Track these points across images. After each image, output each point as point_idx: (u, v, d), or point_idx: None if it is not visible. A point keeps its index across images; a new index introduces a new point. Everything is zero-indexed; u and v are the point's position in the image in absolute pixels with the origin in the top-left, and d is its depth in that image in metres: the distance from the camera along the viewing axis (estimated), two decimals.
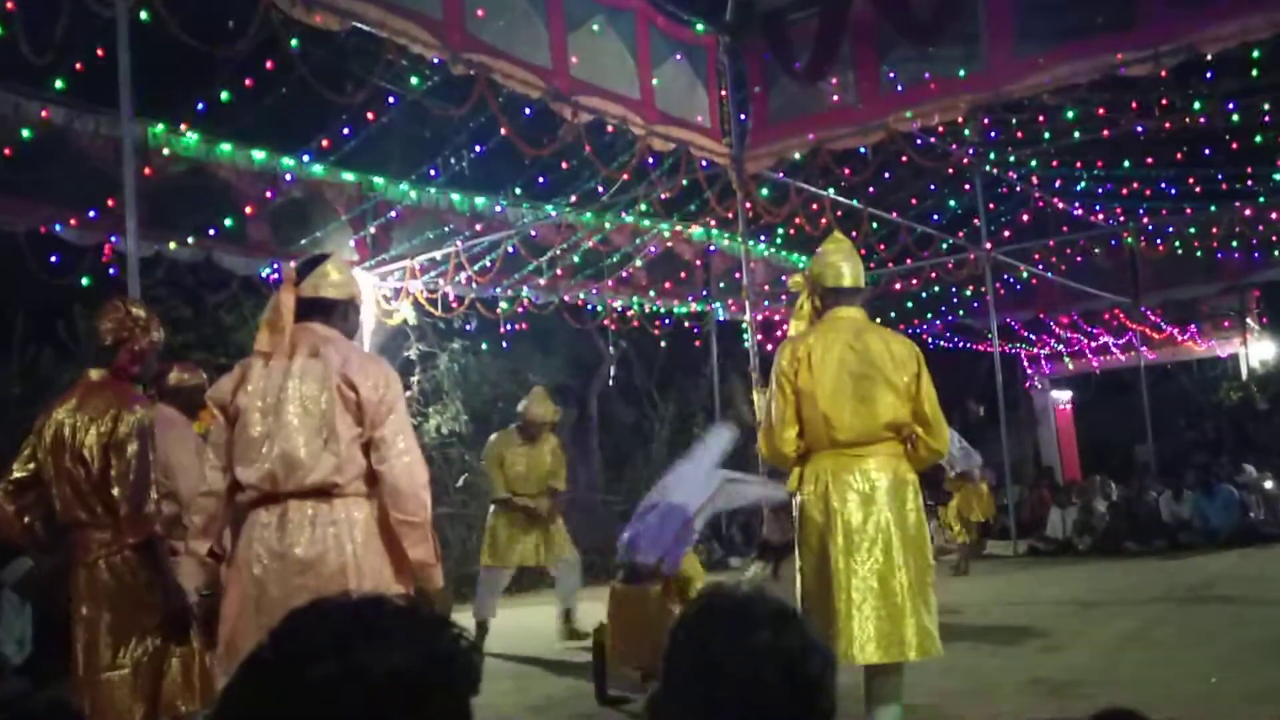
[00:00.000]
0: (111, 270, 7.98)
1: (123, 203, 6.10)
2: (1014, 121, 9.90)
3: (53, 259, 8.04)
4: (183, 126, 7.94)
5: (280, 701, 0.90)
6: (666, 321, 12.95)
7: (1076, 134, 10.25)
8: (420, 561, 3.36)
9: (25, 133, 7.00)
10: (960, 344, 17.02)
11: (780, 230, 11.83)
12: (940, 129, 9.60)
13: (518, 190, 10.02)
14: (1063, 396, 19.23)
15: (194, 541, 3.50)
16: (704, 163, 8.64)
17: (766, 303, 13.43)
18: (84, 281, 8.23)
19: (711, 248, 12.36)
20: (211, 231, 8.72)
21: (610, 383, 14.51)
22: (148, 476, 3.98)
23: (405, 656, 0.92)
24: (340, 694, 0.89)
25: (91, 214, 7.90)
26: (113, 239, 7.96)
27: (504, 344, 12.08)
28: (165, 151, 7.95)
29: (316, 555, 3.26)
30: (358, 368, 3.40)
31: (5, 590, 7.78)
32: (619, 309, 12.38)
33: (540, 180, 9.68)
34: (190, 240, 8.58)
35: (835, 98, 8.46)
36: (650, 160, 8.30)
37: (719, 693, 1.36)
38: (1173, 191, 12.27)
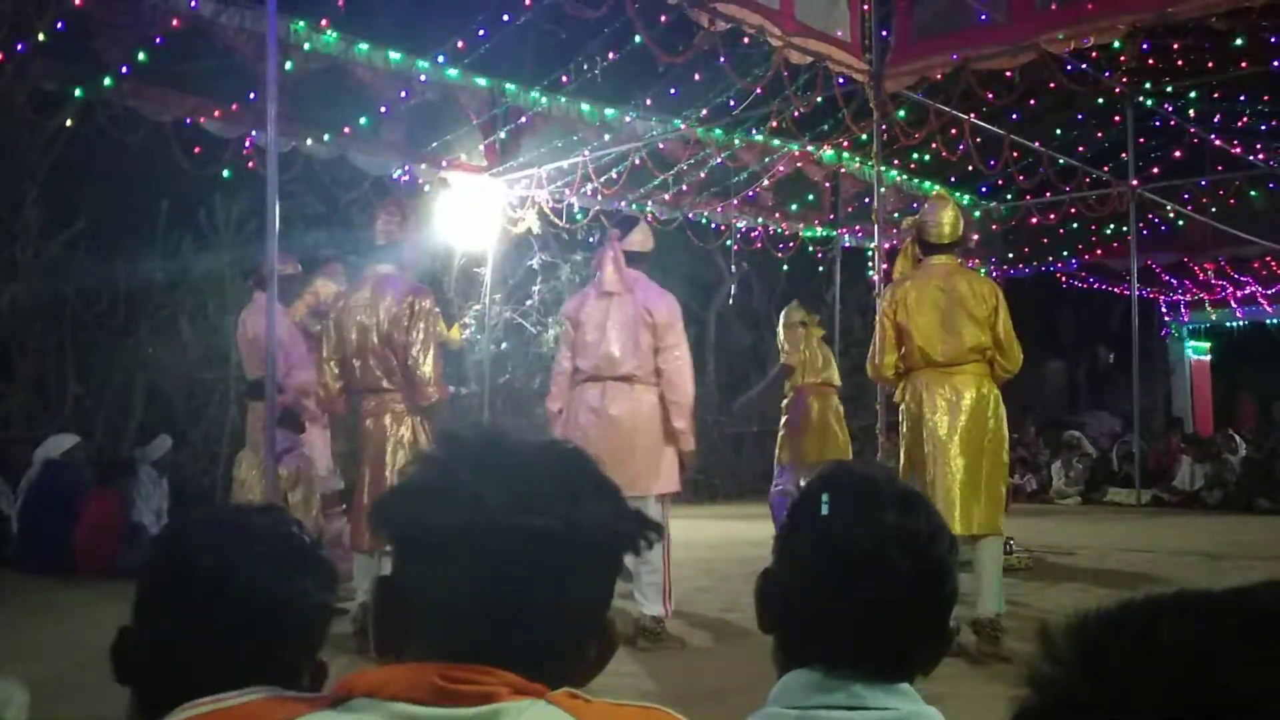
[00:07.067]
0: (251, 163, 8.19)
1: (264, 97, 6.25)
2: (1176, 48, 9.30)
3: (196, 150, 8.29)
4: (323, 23, 8.02)
5: (494, 537, 0.95)
6: (790, 245, 12.75)
7: (1244, 64, 9.59)
8: (683, 429, 5.22)
9: (175, 22, 7.15)
10: (1095, 285, 16.35)
11: (914, 155, 11.46)
12: (1094, 54, 9.09)
13: (648, 101, 9.89)
14: (1200, 346, 18.39)
15: (550, 402, 5.41)
16: (840, 80, 8.37)
17: (896, 231, 13.10)
18: (225, 173, 8.48)
19: (842, 170, 12.07)
20: (346, 130, 8.86)
21: (730, 304, 14.41)
22: (431, 351, 5.16)
23: (614, 515, 1.01)
24: (550, 541, 0.96)
25: (234, 107, 8.09)
26: (253, 133, 8.15)
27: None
28: (306, 48, 8.05)
29: (622, 415, 5.13)
30: (655, 301, 5.24)
31: (144, 466, 8.23)
32: (742, 229, 12.23)
33: (671, 92, 9.53)
34: (326, 138, 8.73)
35: (984, 15, 8.07)
36: (784, 74, 8.08)
37: (840, 571, 1.32)
38: None
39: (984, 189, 13.38)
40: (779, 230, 12.59)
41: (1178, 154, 12.82)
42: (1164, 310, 17.85)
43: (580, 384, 5.26)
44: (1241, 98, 11.27)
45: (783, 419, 7.85)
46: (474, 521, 0.94)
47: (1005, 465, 5.04)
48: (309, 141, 8.60)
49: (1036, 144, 10.92)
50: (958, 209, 5.27)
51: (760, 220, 12.27)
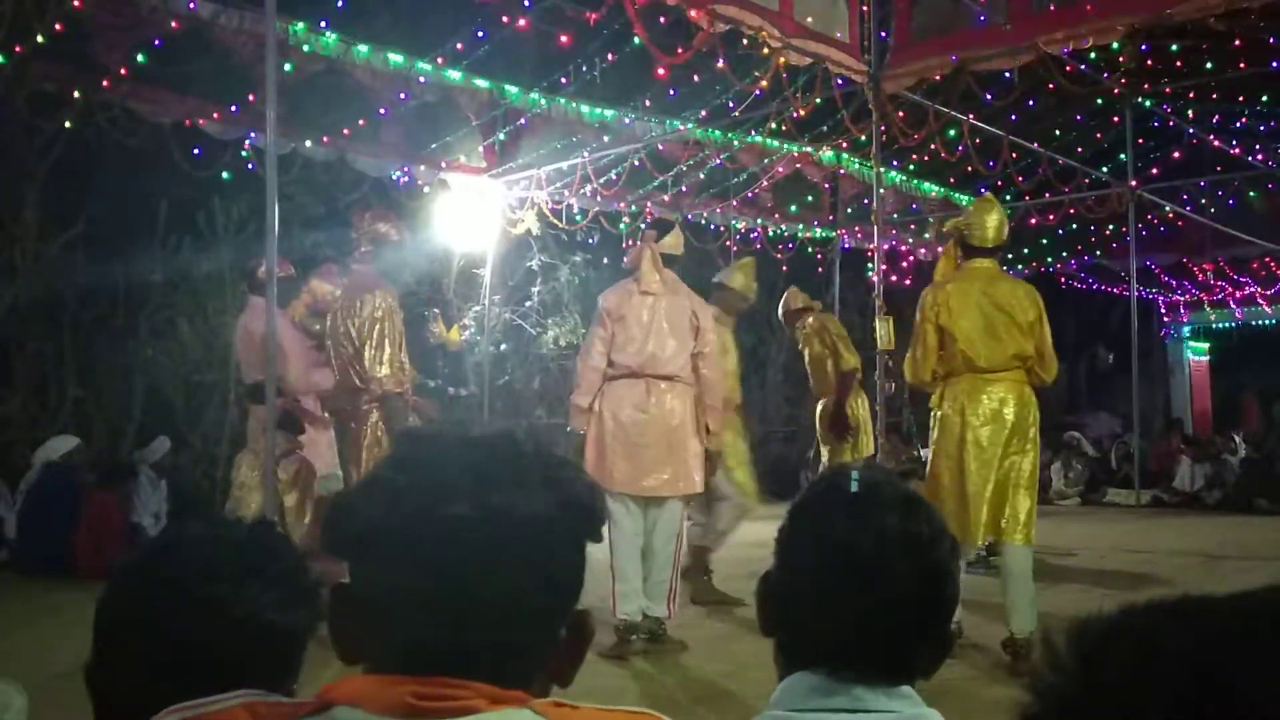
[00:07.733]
0: (250, 165, 8.19)
1: (263, 99, 6.25)
2: (1174, 49, 9.29)
3: (195, 151, 8.29)
4: (322, 25, 8.02)
5: (416, 530, 0.93)
6: (789, 245, 12.75)
7: (1243, 65, 9.59)
8: (714, 431, 5.34)
9: (173, 24, 7.16)
10: (1095, 286, 16.35)
11: (914, 156, 11.46)
12: (1093, 54, 9.08)
13: (647, 102, 9.89)
14: (1200, 347, 18.39)
15: (580, 398, 5.28)
16: (839, 81, 8.37)
17: (895, 232, 13.09)
18: (224, 175, 8.48)
19: (841, 171, 12.07)
20: (345, 132, 8.86)
21: None
22: (377, 345, 5.33)
23: (541, 503, 0.95)
24: (473, 531, 0.92)
25: (233, 109, 8.09)
26: (251, 135, 8.15)
27: (624, 260, 12.04)
28: (305, 49, 8.04)
29: (664, 413, 5.16)
30: (700, 307, 5.40)
31: (144, 468, 8.22)
32: (742, 230, 12.23)
33: (670, 93, 9.53)
34: (325, 139, 8.73)
35: (982, 16, 8.07)
36: (784, 76, 8.07)
37: (841, 574, 1.32)
38: None
39: (983, 190, 13.37)
40: (778, 231, 12.59)
41: (1177, 155, 12.83)
42: (1163, 311, 17.86)
43: (616, 380, 5.23)
44: (1240, 98, 11.27)
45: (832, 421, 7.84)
46: (403, 518, 0.92)
47: (1036, 471, 5.01)
48: (308, 143, 8.60)
49: (1036, 145, 10.93)
50: (1003, 213, 5.21)
51: (760, 221, 12.27)
